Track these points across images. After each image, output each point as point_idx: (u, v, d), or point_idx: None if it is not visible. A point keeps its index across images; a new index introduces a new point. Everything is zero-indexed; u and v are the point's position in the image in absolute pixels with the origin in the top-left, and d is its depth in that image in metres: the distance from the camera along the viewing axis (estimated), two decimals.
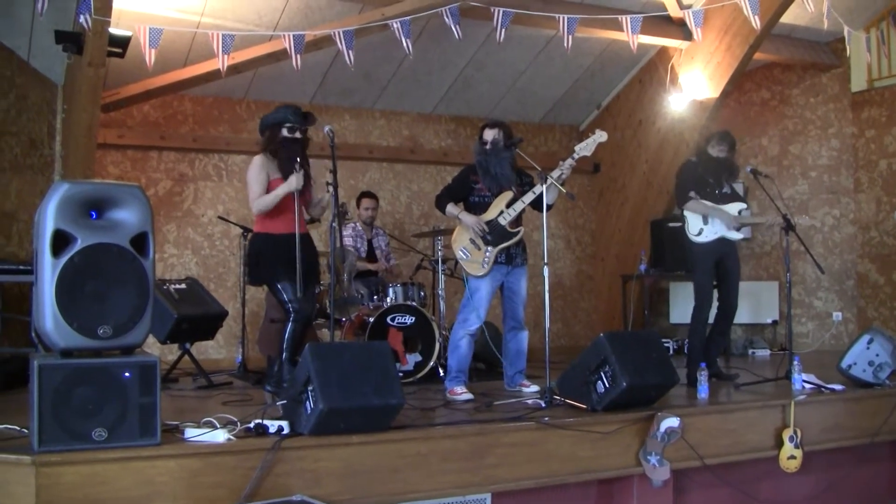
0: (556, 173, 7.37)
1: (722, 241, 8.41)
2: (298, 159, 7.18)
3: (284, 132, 7.28)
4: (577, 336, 13.79)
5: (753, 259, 12.93)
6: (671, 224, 11.42)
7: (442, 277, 9.71)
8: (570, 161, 7.47)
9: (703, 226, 8.37)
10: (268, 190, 7.21)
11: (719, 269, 8.47)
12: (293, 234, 7.06)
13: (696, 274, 8.51)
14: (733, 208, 8.44)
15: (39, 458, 4.53)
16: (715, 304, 8.56)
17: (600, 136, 7.57)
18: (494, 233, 7.52)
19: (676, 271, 11.42)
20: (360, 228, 10.29)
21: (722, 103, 11.84)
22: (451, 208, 7.76)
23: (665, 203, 12.43)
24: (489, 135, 7.77)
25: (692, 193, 8.38)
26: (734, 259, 8.54)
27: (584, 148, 7.52)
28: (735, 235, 8.45)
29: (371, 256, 10.30)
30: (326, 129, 7.04)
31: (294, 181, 7.08)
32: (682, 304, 12.22)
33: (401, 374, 8.59)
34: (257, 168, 7.28)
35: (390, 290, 9.33)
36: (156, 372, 4.89)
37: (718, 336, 8.74)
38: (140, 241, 4.99)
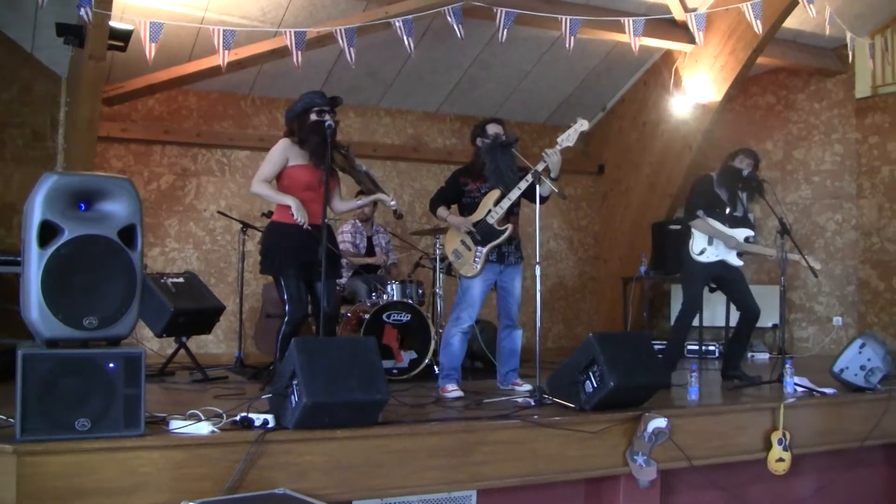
0: (540, 166, 7.32)
1: (721, 264, 8.46)
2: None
3: (313, 116, 7.10)
4: (579, 337, 13.65)
5: (755, 263, 12.90)
6: (672, 227, 11.43)
7: (440, 276, 9.73)
8: (552, 152, 7.39)
9: (706, 246, 8.40)
10: (282, 174, 7.12)
11: (721, 282, 8.56)
12: (311, 227, 6.95)
13: (688, 287, 8.59)
14: (740, 234, 8.46)
15: (21, 448, 4.54)
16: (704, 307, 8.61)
17: (581, 124, 7.42)
18: (483, 232, 7.51)
19: (676, 274, 11.41)
20: (359, 225, 10.30)
21: (726, 107, 11.86)
22: (440, 212, 7.83)
23: (667, 206, 12.45)
24: (498, 129, 7.79)
25: (700, 213, 8.40)
26: (735, 271, 8.55)
27: (567, 139, 7.40)
28: (736, 262, 8.47)
29: (371, 253, 10.31)
30: (326, 123, 6.93)
31: (300, 217, 6.90)
32: None
33: (395, 372, 8.66)
34: (279, 150, 7.12)
35: (388, 288, 9.35)
36: (140, 363, 4.89)
37: (744, 339, 8.80)
38: (128, 234, 4.96)
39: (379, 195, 7.45)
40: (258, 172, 7.15)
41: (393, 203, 7.34)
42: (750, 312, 8.53)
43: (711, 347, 11.84)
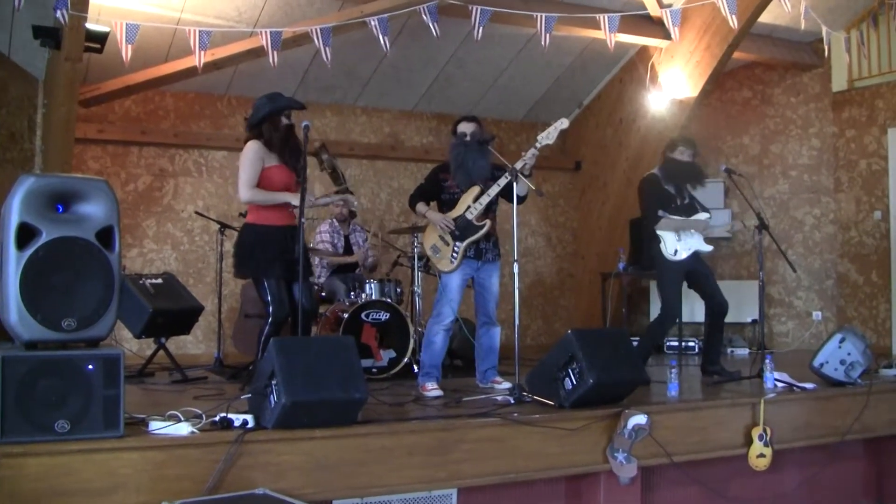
0: (518, 164, 7.31)
1: (694, 256, 8.50)
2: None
3: (285, 120, 7.14)
4: (557, 334, 13.66)
5: (734, 258, 12.96)
6: None
7: (419, 274, 9.72)
8: (532, 151, 7.34)
9: (677, 245, 8.41)
10: (262, 177, 7.09)
11: (692, 276, 8.56)
12: (288, 227, 7.01)
13: (666, 290, 8.62)
14: (701, 217, 8.55)
15: (1, 450, 4.52)
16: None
17: (561, 123, 7.41)
18: (461, 228, 7.53)
19: (653, 270, 11.41)
20: (336, 224, 10.28)
21: (702, 102, 11.89)
22: (420, 207, 7.84)
23: None
24: (466, 128, 7.77)
25: (661, 213, 8.40)
26: (703, 264, 8.61)
27: (546, 137, 7.37)
28: (706, 247, 8.55)
29: (348, 252, 10.29)
30: (304, 124, 6.94)
31: (294, 200, 6.93)
32: None
33: (374, 370, 8.66)
34: (252, 154, 7.08)
35: (367, 287, 9.34)
36: (119, 364, 4.87)
37: (718, 333, 8.78)
38: (106, 235, 4.95)
39: (346, 196, 7.72)
40: (242, 180, 7.10)
41: (356, 204, 7.51)
42: (719, 307, 8.55)
43: (691, 343, 11.89)
